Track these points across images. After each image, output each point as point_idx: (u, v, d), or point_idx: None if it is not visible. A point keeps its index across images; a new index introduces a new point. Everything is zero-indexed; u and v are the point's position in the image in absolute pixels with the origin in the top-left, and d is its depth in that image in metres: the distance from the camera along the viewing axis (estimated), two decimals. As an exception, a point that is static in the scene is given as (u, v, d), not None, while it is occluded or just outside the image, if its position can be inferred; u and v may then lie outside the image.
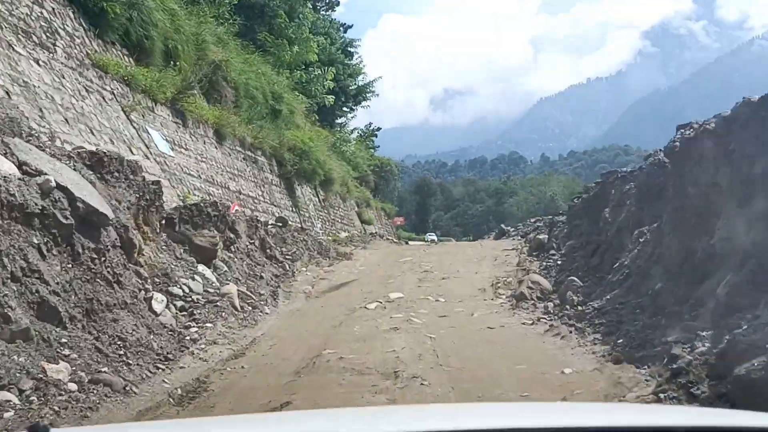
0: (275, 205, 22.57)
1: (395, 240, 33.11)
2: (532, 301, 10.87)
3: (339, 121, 48.87)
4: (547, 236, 16.65)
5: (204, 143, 18.34)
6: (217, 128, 19.37)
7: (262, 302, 10.56)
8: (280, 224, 17.69)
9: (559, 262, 12.28)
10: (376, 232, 34.06)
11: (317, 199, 30.61)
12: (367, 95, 50.20)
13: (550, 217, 19.70)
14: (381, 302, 11.28)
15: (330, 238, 24.19)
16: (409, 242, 45.46)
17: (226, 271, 10.64)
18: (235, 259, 11.39)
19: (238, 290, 10.04)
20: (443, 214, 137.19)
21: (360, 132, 54.05)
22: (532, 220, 27.72)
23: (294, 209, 25.18)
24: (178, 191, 14.33)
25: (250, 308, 9.91)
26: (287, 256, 15.05)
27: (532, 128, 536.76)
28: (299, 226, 20.45)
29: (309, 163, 25.67)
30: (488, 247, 20.01)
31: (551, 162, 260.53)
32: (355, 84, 48.90)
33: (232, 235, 11.65)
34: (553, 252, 14.20)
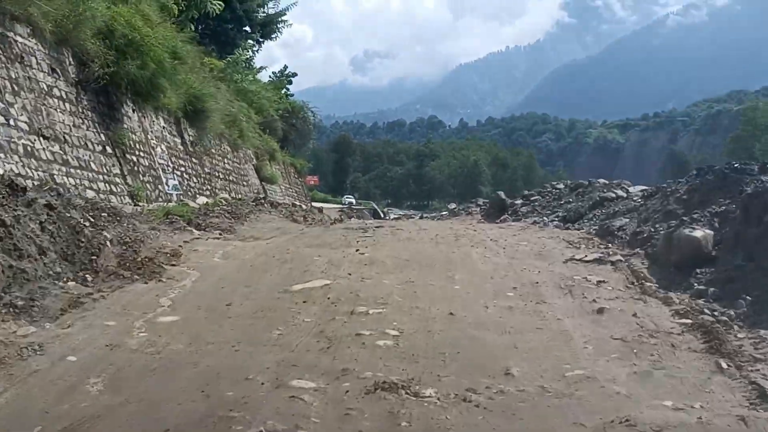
0: (51, 139, 10.67)
1: (303, 208, 21.67)
2: None
3: (243, 55, 36.91)
4: (713, 233, 5.86)
5: None
6: None
7: None
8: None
9: None
10: (264, 197, 22.46)
11: (180, 140, 18.79)
12: (279, 26, 39.66)
13: (727, 168, 7.83)
14: None
15: (177, 206, 12.60)
16: (323, 208, 34.77)
17: None
18: None
19: None
20: (361, 176, 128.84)
21: (273, 75, 44.14)
22: (560, 185, 15.42)
23: (113, 151, 13.37)
24: None
25: None
26: None
27: (450, 93, 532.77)
28: (40, 183, 8.30)
29: (142, 65, 13.56)
30: (512, 248, 8.27)
31: (469, 128, 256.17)
32: (263, 11, 38.30)
33: None
34: None
